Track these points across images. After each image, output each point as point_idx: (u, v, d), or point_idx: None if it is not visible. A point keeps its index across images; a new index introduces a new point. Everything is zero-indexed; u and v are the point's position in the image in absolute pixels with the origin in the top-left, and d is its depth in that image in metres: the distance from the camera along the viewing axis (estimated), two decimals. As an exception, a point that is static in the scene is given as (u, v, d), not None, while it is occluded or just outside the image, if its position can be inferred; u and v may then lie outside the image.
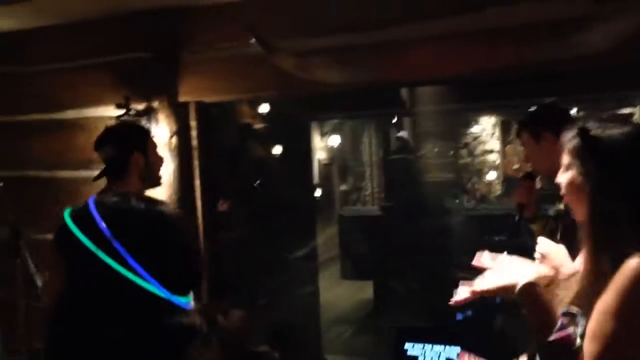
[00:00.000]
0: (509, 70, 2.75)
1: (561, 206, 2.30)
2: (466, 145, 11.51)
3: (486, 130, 11.36)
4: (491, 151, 11.28)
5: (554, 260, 1.75)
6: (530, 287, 1.53)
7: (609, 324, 1.33)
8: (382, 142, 10.70)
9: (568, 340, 1.39)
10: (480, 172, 11.18)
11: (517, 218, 2.52)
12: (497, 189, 10.89)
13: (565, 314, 1.43)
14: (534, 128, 2.42)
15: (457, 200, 7.59)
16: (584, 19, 2.43)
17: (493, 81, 4.23)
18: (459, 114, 10.65)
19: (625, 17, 2.35)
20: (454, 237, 5.37)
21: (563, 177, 1.52)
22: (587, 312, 1.43)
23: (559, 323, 1.42)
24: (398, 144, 7.35)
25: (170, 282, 0.96)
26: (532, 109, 2.53)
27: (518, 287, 1.53)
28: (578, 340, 1.38)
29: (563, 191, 1.54)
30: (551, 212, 2.26)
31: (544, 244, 1.82)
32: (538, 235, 2.42)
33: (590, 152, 1.44)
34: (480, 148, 11.41)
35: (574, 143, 1.48)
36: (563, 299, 1.52)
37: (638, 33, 2.37)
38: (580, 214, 1.49)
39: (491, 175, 11.16)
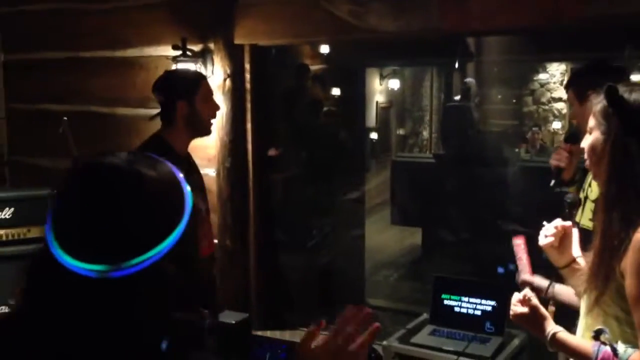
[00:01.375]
0: (573, 22, 2.62)
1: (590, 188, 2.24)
2: (532, 92, 11.14)
3: (555, 77, 10.94)
4: (559, 99, 10.90)
5: (559, 248, 1.70)
6: (554, 338, 1.55)
7: None
8: (443, 87, 10.48)
9: None
10: (544, 121, 10.84)
11: (553, 182, 2.41)
12: (561, 139, 10.57)
13: (596, 337, 1.44)
14: (578, 87, 2.30)
15: (517, 150, 7.42)
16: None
17: (560, 32, 4.05)
18: (526, 63, 10.27)
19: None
20: (507, 188, 5.29)
21: (586, 141, 1.51)
22: (601, 284, 1.44)
23: (593, 352, 1.42)
24: (462, 90, 7.19)
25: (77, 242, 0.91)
26: (579, 66, 2.43)
27: (547, 338, 1.56)
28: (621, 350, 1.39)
29: (585, 155, 1.52)
30: (569, 197, 2.18)
31: (549, 226, 1.73)
32: (574, 197, 2.37)
33: (614, 111, 1.42)
34: (547, 96, 11.03)
35: (601, 104, 1.45)
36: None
37: None
38: (599, 176, 1.49)
39: (555, 124, 10.81)
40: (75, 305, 0.90)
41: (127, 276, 0.90)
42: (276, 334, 3.54)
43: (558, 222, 1.72)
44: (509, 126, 9.31)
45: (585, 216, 2.33)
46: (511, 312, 1.65)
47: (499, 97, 10.17)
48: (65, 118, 3.60)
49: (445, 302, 2.99)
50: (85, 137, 3.39)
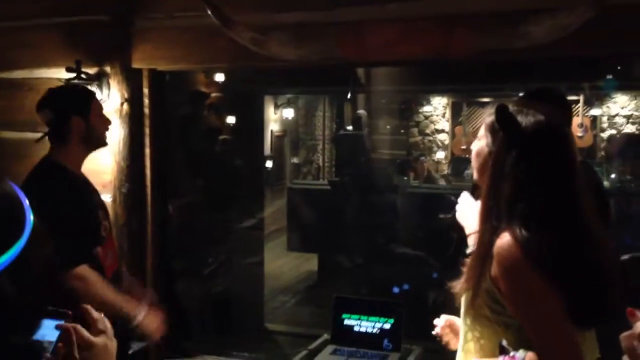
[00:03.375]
0: (463, 56, 2.83)
1: None
2: (417, 124, 11.74)
3: (438, 109, 11.60)
4: (442, 130, 11.55)
5: (463, 216, 1.81)
6: None
7: (525, 312, 1.47)
8: (335, 116, 10.79)
9: None
10: (429, 151, 11.43)
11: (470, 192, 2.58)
12: (444, 168, 11.17)
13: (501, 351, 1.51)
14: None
15: (405, 178, 7.77)
16: (534, 11, 2.53)
17: (446, 65, 4.34)
18: (411, 94, 10.83)
19: (573, 12, 2.45)
20: (399, 213, 5.53)
21: (474, 145, 1.66)
22: (474, 287, 1.55)
23: None
24: (354, 120, 7.45)
25: None
26: (526, 91, 2.57)
27: None
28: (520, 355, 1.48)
29: (472, 158, 1.67)
30: None
31: (464, 198, 1.85)
32: None
33: (500, 127, 1.55)
34: (431, 127, 11.66)
35: (490, 118, 1.60)
36: None
37: (582, 28, 2.48)
38: (482, 182, 1.63)
39: (439, 154, 11.44)
40: None
41: None
42: (175, 363, 3.47)
43: (466, 195, 1.84)
44: (397, 155, 9.73)
45: None
46: None
47: (388, 127, 10.62)
48: (-56, 141, 3.39)
49: (346, 321, 3.07)
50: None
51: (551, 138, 1.55)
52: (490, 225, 1.52)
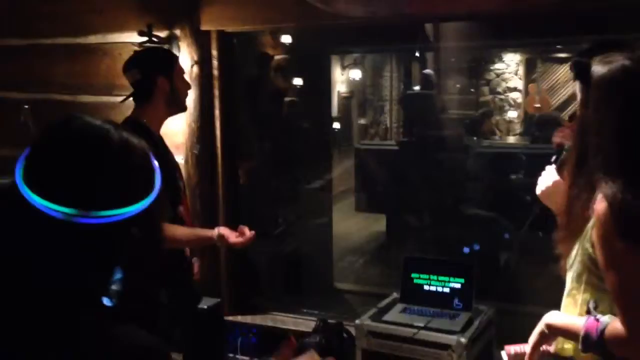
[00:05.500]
0: (534, 8, 2.71)
1: None
2: (488, 82, 11.37)
3: (510, 67, 11.19)
4: (514, 89, 11.15)
5: (549, 196, 1.75)
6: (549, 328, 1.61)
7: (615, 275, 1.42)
8: (403, 76, 10.59)
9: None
10: (500, 110, 11.09)
11: (554, 158, 2.49)
12: (517, 128, 10.83)
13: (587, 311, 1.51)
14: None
15: (475, 138, 7.59)
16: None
17: (518, 18, 4.15)
18: (483, 51, 10.47)
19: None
20: (469, 173, 5.42)
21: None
22: (574, 249, 1.51)
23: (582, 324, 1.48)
24: (420, 80, 7.29)
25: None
26: (588, 45, 2.46)
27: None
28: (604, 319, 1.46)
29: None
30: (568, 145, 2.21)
31: (548, 175, 1.78)
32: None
33: (581, 82, 1.51)
34: (503, 85, 11.27)
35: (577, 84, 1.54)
36: None
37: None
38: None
39: (511, 114, 11.07)
40: (32, 242, 0.93)
41: (91, 225, 0.93)
42: (247, 319, 3.58)
43: (551, 171, 1.76)
44: (467, 115, 9.49)
45: None
46: None
47: (457, 86, 10.35)
48: (27, 106, 3.54)
49: (415, 281, 3.06)
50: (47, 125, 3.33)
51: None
52: (582, 188, 1.47)
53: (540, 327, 1.61)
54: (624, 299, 1.41)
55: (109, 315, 0.97)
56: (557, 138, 2.52)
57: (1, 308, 0.93)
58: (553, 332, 1.59)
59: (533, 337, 1.63)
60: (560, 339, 1.61)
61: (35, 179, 0.94)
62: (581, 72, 1.49)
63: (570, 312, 1.59)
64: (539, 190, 1.78)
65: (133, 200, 0.97)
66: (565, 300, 1.63)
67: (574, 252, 1.56)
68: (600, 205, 1.42)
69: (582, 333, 1.45)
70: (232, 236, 2.44)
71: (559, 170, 1.78)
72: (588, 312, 1.49)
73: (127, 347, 0.94)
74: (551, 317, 1.59)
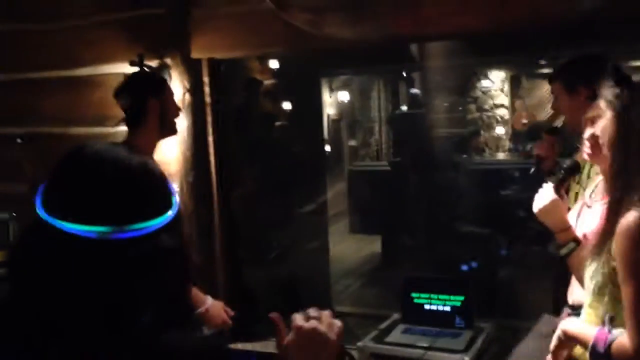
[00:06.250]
0: (519, 25, 2.74)
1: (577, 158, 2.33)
2: (475, 100, 11.47)
3: (495, 83, 11.31)
4: (500, 105, 11.25)
5: (546, 214, 1.76)
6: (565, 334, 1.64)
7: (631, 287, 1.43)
8: (390, 97, 10.67)
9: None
10: (488, 127, 11.17)
11: (533, 170, 2.56)
12: (505, 144, 10.90)
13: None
14: (567, 79, 2.40)
15: (465, 155, 7.65)
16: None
17: (503, 35, 4.21)
18: (468, 68, 10.58)
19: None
20: (461, 191, 5.45)
21: (589, 131, 1.60)
22: (597, 261, 1.52)
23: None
24: (408, 99, 7.35)
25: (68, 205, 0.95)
26: (568, 59, 2.51)
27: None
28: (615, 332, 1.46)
29: (587, 145, 1.61)
30: (566, 163, 2.22)
31: (546, 193, 1.78)
32: (571, 162, 2.48)
33: (623, 86, 1.52)
34: (490, 102, 11.38)
35: (609, 84, 1.54)
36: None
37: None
38: (599, 161, 1.57)
39: (499, 130, 11.16)
40: (70, 266, 0.94)
41: (126, 239, 0.95)
42: (247, 346, 3.54)
43: (549, 189, 1.77)
44: (455, 133, 9.56)
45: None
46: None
47: (444, 105, 10.43)
48: (19, 140, 3.53)
49: (415, 300, 3.05)
50: (40, 158, 3.33)
51: None
52: (617, 202, 1.48)
53: (557, 332, 1.63)
54: (634, 314, 1.42)
55: (155, 326, 0.97)
56: (536, 150, 2.59)
57: (54, 332, 0.93)
58: (568, 338, 1.61)
59: (553, 342, 1.66)
60: None
61: (61, 206, 0.96)
62: (622, 76, 1.52)
63: (591, 323, 1.60)
64: (536, 207, 1.79)
65: (160, 211, 1.00)
66: (587, 310, 1.64)
67: (595, 265, 1.57)
68: (628, 218, 1.43)
69: (590, 343, 1.46)
70: (217, 319, 2.48)
71: (557, 188, 1.79)
72: (602, 324, 1.50)
73: (188, 352, 0.98)
74: (567, 324, 1.63)
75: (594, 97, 2.33)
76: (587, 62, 2.45)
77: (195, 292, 2.50)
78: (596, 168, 2.29)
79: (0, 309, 0.98)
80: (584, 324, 1.61)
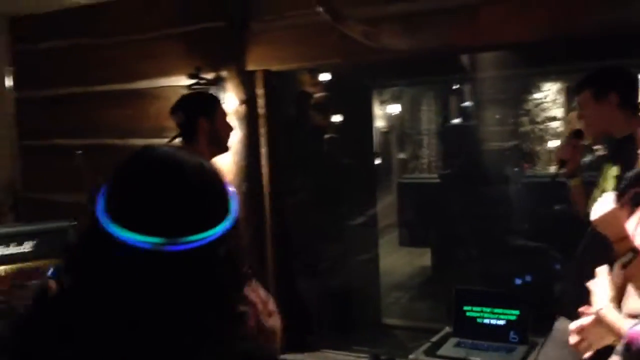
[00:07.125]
0: (577, 33, 2.70)
1: None
2: (527, 112, 11.26)
3: (549, 96, 11.07)
4: (554, 118, 11.01)
5: (606, 223, 1.72)
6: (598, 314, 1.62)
7: None
8: (441, 109, 10.59)
9: None
10: (541, 140, 10.94)
11: (555, 172, 2.56)
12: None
13: None
14: (596, 87, 2.41)
15: (517, 169, 7.52)
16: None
17: (558, 45, 4.13)
18: (521, 80, 10.40)
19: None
20: (513, 204, 5.35)
21: None
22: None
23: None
24: (459, 112, 7.28)
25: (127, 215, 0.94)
26: (598, 69, 2.52)
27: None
28: None
29: None
30: (631, 172, 2.14)
31: (606, 202, 1.73)
32: (575, 190, 2.45)
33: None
34: (543, 115, 11.15)
35: None
36: None
37: None
38: None
39: (553, 143, 10.91)
40: (125, 277, 0.93)
41: (181, 252, 0.92)
42: (297, 357, 3.55)
43: (609, 198, 1.74)
44: (507, 146, 9.40)
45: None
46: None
47: (496, 117, 10.28)
48: (79, 152, 3.66)
49: (468, 313, 3.01)
50: (100, 170, 3.43)
51: None
52: None
53: (595, 310, 1.64)
54: None
55: (217, 335, 0.96)
56: (559, 153, 2.57)
57: (111, 349, 0.91)
58: (601, 323, 1.61)
59: (580, 322, 1.68)
60: None
61: (119, 213, 0.94)
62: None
63: None
64: (595, 216, 1.75)
65: (215, 222, 0.97)
66: None
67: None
68: None
69: (625, 340, 1.46)
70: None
71: (618, 198, 1.75)
72: None
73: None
74: (606, 311, 1.61)
75: (624, 104, 2.33)
76: (615, 70, 2.47)
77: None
78: (613, 170, 2.27)
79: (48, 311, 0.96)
80: (620, 316, 1.60)
